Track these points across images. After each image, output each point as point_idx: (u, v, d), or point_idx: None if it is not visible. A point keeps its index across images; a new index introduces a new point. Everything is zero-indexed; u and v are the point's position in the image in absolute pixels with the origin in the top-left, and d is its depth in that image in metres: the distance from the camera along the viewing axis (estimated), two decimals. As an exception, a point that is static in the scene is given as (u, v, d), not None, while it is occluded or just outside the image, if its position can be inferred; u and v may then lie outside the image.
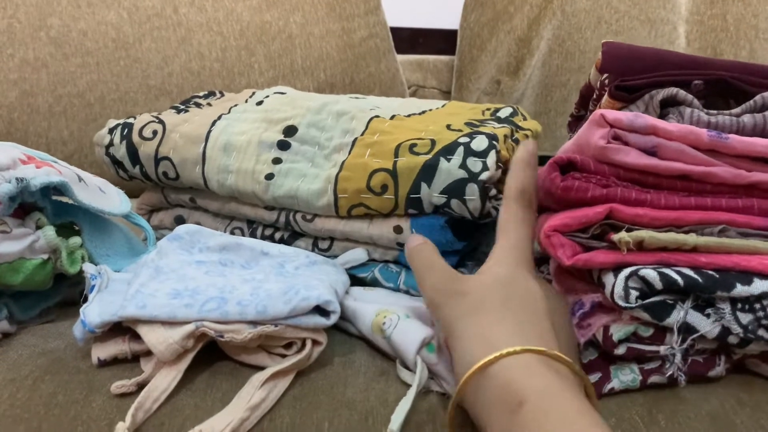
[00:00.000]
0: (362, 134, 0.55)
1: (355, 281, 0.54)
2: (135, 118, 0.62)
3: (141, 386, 0.38)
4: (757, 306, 0.38)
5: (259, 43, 0.87)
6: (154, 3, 0.87)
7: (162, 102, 0.86)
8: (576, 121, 0.58)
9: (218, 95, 0.74)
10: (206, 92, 0.74)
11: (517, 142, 0.54)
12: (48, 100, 0.85)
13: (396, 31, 1.02)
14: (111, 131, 0.62)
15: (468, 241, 0.53)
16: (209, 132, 0.58)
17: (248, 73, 0.87)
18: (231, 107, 0.64)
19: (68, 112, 0.85)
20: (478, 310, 0.36)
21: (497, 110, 0.63)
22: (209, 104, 0.70)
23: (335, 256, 0.55)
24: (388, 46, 0.95)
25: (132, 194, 0.59)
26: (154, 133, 0.59)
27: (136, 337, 0.41)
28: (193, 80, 0.86)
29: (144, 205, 0.65)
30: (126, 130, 0.60)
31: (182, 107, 0.67)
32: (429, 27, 1.13)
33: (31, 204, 0.43)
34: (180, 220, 0.64)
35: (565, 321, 0.41)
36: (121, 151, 0.60)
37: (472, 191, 0.47)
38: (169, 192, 0.63)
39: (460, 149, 0.48)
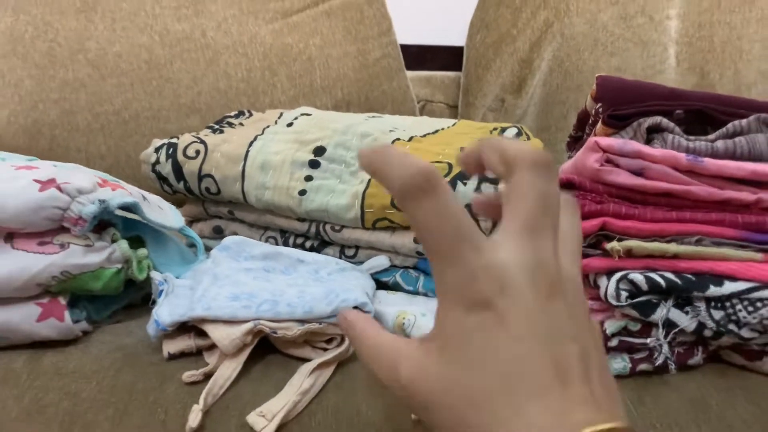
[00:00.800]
0: (385, 155, 0.62)
1: (379, 285, 0.60)
2: (178, 138, 0.69)
3: (207, 376, 0.45)
4: (728, 304, 0.45)
5: (281, 64, 0.94)
6: (184, 27, 0.94)
7: (192, 119, 0.93)
8: (574, 142, 0.65)
9: (247, 114, 0.81)
10: (236, 112, 0.81)
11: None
12: (87, 117, 0.92)
13: (405, 48, 1.08)
14: (157, 150, 0.68)
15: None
16: (248, 152, 0.65)
17: (271, 92, 0.94)
18: (264, 128, 0.71)
19: (105, 129, 0.92)
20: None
21: (504, 130, 0.70)
22: (241, 124, 0.77)
23: (360, 263, 0.62)
24: (399, 65, 1.02)
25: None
26: (197, 152, 0.66)
27: (199, 333, 0.48)
28: (221, 99, 0.93)
29: (185, 215, 0.72)
30: (171, 150, 0.67)
31: (217, 127, 0.74)
32: (436, 44, 1.20)
33: (105, 220, 0.50)
34: (218, 230, 0.71)
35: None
36: (166, 169, 0.67)
37: None
38: (209, 205, 0.70)
39: (475, 174, 0.55)
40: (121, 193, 0.49)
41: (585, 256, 0.48)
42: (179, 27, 0.94)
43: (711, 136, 0.50)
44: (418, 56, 1.17)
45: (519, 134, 0.69)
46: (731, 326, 0.45)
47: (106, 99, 0.92)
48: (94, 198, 0.47)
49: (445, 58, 1.18)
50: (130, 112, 0.92)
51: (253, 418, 0.42)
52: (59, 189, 0.46)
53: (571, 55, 0.91)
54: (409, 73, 1.08)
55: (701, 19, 0.92)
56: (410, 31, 1.15)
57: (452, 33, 1.17)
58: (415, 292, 0.60)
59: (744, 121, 0.50)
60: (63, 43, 0.92)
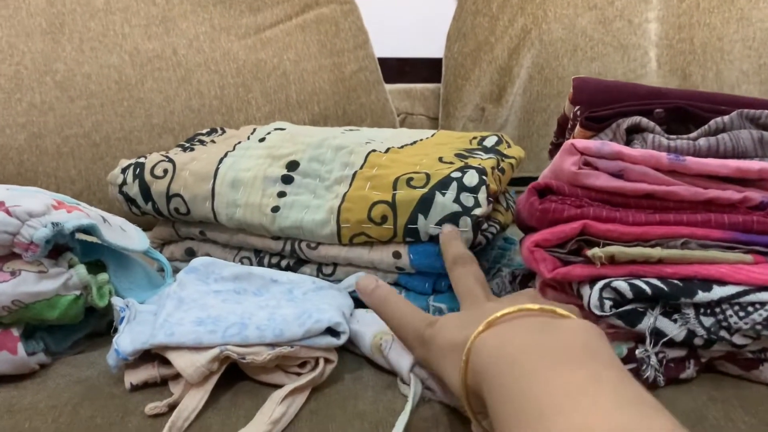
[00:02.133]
0: (361, 168, 0.60)
1: (358, 303, 0.58)
2: (146, 157, 0.66)
3: (172, 407, 0.43)
4: (717, 310, 0.42)
5: (256, 80, 0.92)
6: (155, 46, 0.92)
7: (165, 139, 0.90)
8: (556, 149, 0.63)
9: (220, 132, 0.79)
10: (208, 130, 0.79)
11: (503, 172, 0.59)
12: (56, 141, 0.89)
13: (384, 61, 1.07)
14: (123, 171, 0.66)
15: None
16: (217, 169, 0.63)
17: (246, 109, 0.92)
18: (235, 144, 0.69)
19: (75, 152, 0.90)
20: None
21: (483, 139, 0.68)
22: (213, 141, 0.75)
23: (339, 281, 0.59)
24: (377, 77, 1.00)
25: (142, 227, 0.63)
26: (165, 171, 0.64)
27: (164, 362, 0.45)
28: (194, 117, 0.91)
29: (156, 238, 0.69)
30: (138, 170, 0.65)
31: (187, 145, 0.72)
32: (415, 56, 1.18)
33: (62, 245, 0.48)
34: (190, 252, 0.68)
35: None
36: (134, 190, 0.65)
37: (466, 224, 0.51)
38: (179, 226, 0.67)
39: (454, 184, 0.53)
40: (77, 215, 0.46)
41: (566, 263, 0.45)
42: (149, 46, 0.92)
43: (693, 134, 0.48)
44: (398, 69, 1.16)
45: (499, 142, 0.67)
46: (722, 333, 0.42)
47: (75, 122, 0.90)
48: (46, 221, 0.44)
49: (425, 70, 1.16)
50: (101, 135, 0.90)
51: (219, 451, 0.39)
52: (8, 213, 0.43)
53: (550, 62, 0.89)
54: (389, 86, 1.07)
55: (681, 21, 0.91)
56: (389, 45, 1.14)
57: (430, 45, 1.16)
58: (396, 309, 0.57)
59: (726, 118, 0.48)
60: (29, 65, 0.90)
